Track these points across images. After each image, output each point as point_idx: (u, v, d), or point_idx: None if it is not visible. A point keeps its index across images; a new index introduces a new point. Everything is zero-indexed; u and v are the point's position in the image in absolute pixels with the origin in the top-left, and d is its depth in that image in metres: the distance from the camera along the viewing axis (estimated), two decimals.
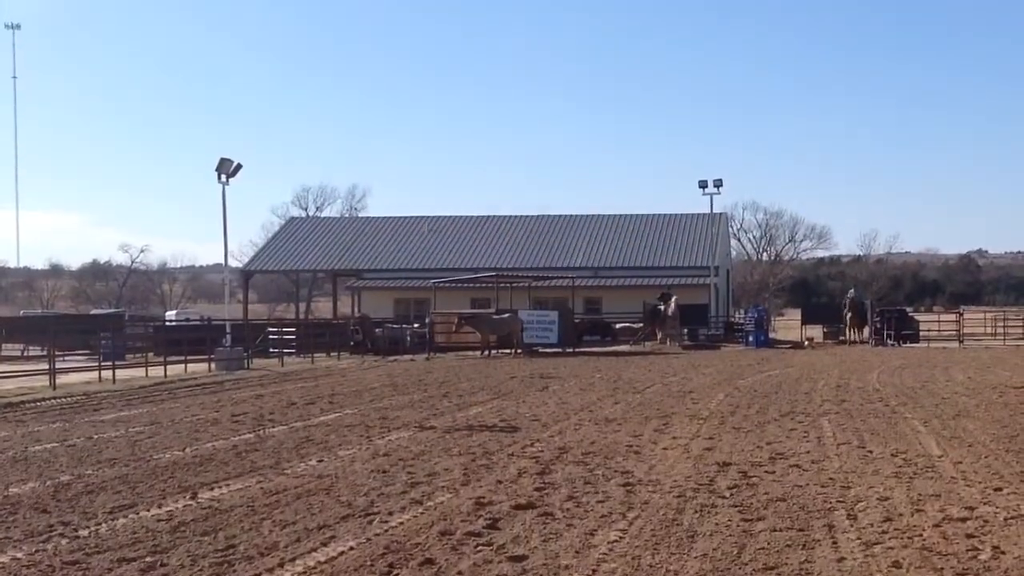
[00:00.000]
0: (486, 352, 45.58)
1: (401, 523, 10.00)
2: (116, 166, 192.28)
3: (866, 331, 54.09)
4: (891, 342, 52.06)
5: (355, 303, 72.51)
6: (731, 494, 11.25)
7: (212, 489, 12.03)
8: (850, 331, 54.55)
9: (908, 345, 51.64)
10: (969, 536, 9.21)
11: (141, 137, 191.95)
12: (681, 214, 73.86)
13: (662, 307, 52.21)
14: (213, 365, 37.13)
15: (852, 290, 58.38)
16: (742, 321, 59.85)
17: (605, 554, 8.72)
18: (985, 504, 10.58)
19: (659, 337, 52.38)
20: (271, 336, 49.19)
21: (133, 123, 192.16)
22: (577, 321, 55.03)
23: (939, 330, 57.04)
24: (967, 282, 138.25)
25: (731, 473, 12.68)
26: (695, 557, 8.59)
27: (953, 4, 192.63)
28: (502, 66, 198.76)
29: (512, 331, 46.73)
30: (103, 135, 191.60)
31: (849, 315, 54.42)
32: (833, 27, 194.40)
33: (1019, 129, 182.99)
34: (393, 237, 73.48)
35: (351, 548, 9.04)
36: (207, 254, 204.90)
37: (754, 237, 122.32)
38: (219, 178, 40.78)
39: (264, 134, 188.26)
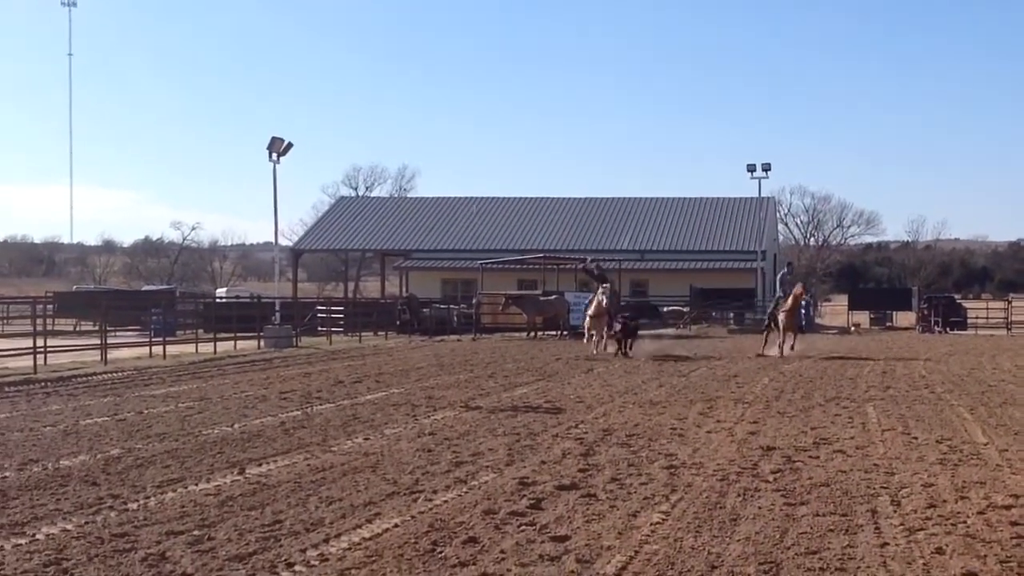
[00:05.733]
0: (532, 333, 45.62)
1: (445, 501, 10.08)
2: (169, 143, 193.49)
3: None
4: (938, 329, 51.69)
5: (403, 283, 72.71)
6: (775, 478, 11.25)
7: (260, 465, 12.15)
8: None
9: (955, 332, 51.24)
10: (1014, 524, 9.17)
11: (195, 115, 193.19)
12: (728, 198, 73.62)
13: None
14: (262, 342, 37.42)
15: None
16: None
17: (647, 536, 8.76)
18: None
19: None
20: (319, 314, 49.44)
21: (187, 101, 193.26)
22: (623, 304, 54.98)
23: (987, 317, 56.63)
24: (1016, 269, 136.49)
25: (775, 457, 12.67)
26: (737, 540, 8.61)
27: None
28: (553, 48, 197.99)
29: (558, 313, 46.76)
30: (157, 112, 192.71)
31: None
32: (884, 11, 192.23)
33: None
34: (441, 218, 73.64)
35: (396, 525, 9.11)
36: (257, 232, 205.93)
37: (801, 222, 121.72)
38: (270, 156, 41.07)
39: (316, 113, 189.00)
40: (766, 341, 33.10)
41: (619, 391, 20.85)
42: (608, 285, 34.96)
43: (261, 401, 19.12)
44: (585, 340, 34.35)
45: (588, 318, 34.01)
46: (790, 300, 31.18)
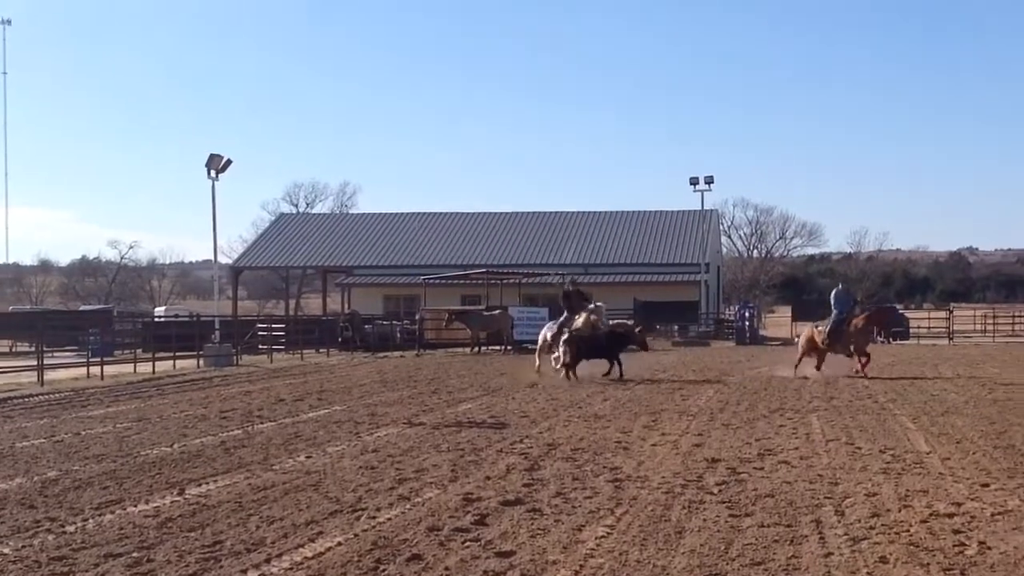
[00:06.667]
0: (476, 349, 45.59)
1: (389, 519, 9.98)
2: (106, 162, 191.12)
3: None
4: (881, 339, 52.15)
5: (345, 299, 72.46)
6: (719, 490, 11.25)
7: (200, 485, 12.00)
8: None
9: (898, 342, 51.73)
10: (956, 532, 9.22)
11: (131, 133, 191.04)
12: (672, 211, 74.03)
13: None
14: (202, 361, 37.05)
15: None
16: (732, 318, 60.01)
17: (593, 550, 8.71)
18: (972, 500, 10.58)
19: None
20: (260, 332, 49.13)
21: (123, 119, 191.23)
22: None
23: (929, 327, 57.30)
24: (957, 279, 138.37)
25: (720, 469, 12.67)
26: (683, 552, 8.58)
27: (942, 1, 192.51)
28: (493, 63, 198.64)
29: (502, 328, 46.76)
30: (93, 131, 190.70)
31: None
32: (823, 24, 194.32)
33: (1010, 127, 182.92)
34: (383, 234, 73.53)
35: (339, 544, 9.02)
36: (197, 250, 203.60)
37: (744, 234, 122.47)
38: (209, 174, 40.71)
39: (255, 131, 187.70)
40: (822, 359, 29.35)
41: (564, 405, 20.83)
42: (598, 305, 30.27)
43: (201, 420, 18.92)
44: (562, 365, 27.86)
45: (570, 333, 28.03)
46: (862, 320, 29.56)
